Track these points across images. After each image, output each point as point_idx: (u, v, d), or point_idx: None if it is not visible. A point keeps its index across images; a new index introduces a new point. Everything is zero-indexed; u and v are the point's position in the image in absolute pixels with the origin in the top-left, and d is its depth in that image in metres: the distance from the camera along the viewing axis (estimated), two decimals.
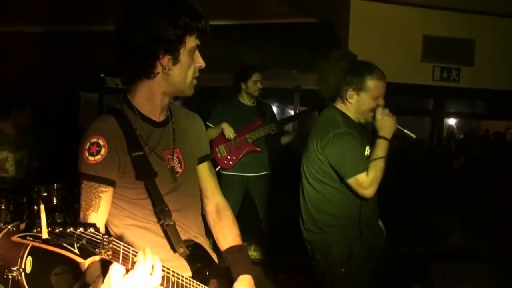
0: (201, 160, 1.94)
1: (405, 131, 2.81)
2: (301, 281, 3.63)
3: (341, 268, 2.73)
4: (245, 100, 4.84)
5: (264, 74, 4.82)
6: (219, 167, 4.74)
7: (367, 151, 2.80)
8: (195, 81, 1.73)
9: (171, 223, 1.66)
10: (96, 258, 1.48)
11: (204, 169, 1.96)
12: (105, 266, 1.46)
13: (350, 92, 2.76)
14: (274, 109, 5.52)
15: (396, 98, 2.86)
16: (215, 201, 1.97)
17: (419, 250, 4.05)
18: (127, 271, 1.35)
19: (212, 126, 4.74)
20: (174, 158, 1.77)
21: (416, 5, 5.13)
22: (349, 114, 2.82)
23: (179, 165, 1.78)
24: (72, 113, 6.30)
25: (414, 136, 2.82)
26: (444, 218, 4.44)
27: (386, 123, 2.73)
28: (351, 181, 2.66)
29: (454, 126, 11.62)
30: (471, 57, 5.37)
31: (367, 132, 2.90)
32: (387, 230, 3.09)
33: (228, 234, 1.90)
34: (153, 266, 1.39)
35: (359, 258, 2.74)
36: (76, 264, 1.55)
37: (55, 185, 3.82)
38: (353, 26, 5.08)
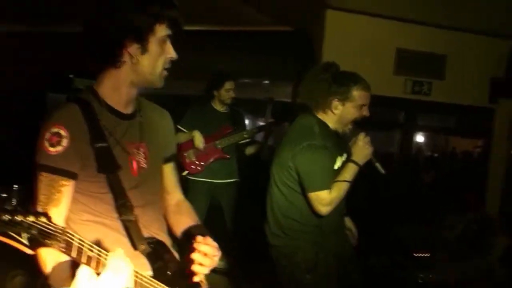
0: (167, 160, 1.87)
1: (377, 164, 2.82)
2: None
3: (306, 275, 2.70)
4: (218, 106, 4.79)
5: (236, 83, 4.78)
6: (186, 172, 4.66)
7: (340, 161, 2.79)
8: (165, 73, 1.66)
9: (132, 219, 1.58)
10: (61, 258, 1.40)
11: (169, 169, 1.89)
12: (73, 268, 1.37)
13: (335, 103, 2.75)
14: (246, 121, 5.48)
15: (369, 110, 2.86)
16: (175, 197, 1.92)
17: (385, 262, 4.03)
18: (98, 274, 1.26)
19: (183, 129, 4.66)
20: (140, 152, 1.68)
21: (391, 18, 5.17)
22: (328, 123, 2.81)
23: (144, 160, 1.69)
24: (38, 113, 6.14)
25: (383, 172, 2.82)
26: (413, 232, 4.44)
27: (363, 151, 2.73)
28: (312, 195, 2.66)
29: (422, 143, 11.78)
30: (442, 71, 5.43)
31: (342, 142, 2.88)
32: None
33: (186, 219, 1.83)
34: (124, 270, 1.31)
35: (325, 265, 2.73)
36: (34, 267, 1.46)
37: (15, 186, 3.69)
38: (328, 36, 5.08)
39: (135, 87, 1.66)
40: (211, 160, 4.71)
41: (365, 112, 2.80)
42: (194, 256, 1.57)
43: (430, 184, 7.36)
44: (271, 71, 6.95)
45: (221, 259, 4.80)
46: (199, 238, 1.59)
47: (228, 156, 4.74)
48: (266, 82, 9.84)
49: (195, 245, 1.57)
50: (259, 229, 3.00)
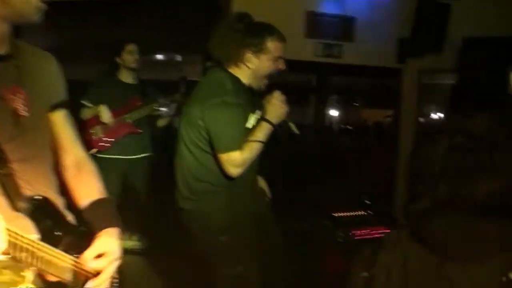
0: (56, 107, 1.62)
1: (291, 124, 2.72)
2: (188, 269, 3.39)
3: (220, 237, 2.57)
4: (124, 77, 4.54)
5: (145, 62, 4.55)
6: (96, 150, 4.37)
7: (253, 119, 2.63)
8: (42, 5, 1.42)
9: (8, 173, 1.34)
10: None
11: (59, 118, 1.65)
12: None
13: (248, 55, 2.60)
14: None
15: (281, 75, 2.76)
16: (74, 154, 1.67)
17: (304, 224, 4.02)
18: None
19: (87, 104, 4.37)
20: (18, 99, 1.44)
21: None
22: (242, 78, 2.65)
23: (23, 108, 1.45)
24: None
25: (298, 132, 2.74)
26: (331, 194, 4.46)
27: (278, 110, 2.60)
28: (223, 156, 2.50)
29: (336, 116, 12.01)
30: (352, 33, 5.43)
31: (256, 98, 2.73)
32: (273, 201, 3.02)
33: (90, 187, 1.62)
34: None
35: (241, 226, 2.61)
36: None
37: None
38: (237, 0, 4.93)
39: (6, 22, 1.41)
40: (121, 135, 4.46)
41: (281, 65, 2.68)
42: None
43: (343, 154, 7.46)
44: (180, 43, 6.69)
45: (137, 239, 4.61)
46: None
47: (139, 130, 4.51)
48: (178, 59, 9.56)
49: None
50: (174, 204, 2.82)
